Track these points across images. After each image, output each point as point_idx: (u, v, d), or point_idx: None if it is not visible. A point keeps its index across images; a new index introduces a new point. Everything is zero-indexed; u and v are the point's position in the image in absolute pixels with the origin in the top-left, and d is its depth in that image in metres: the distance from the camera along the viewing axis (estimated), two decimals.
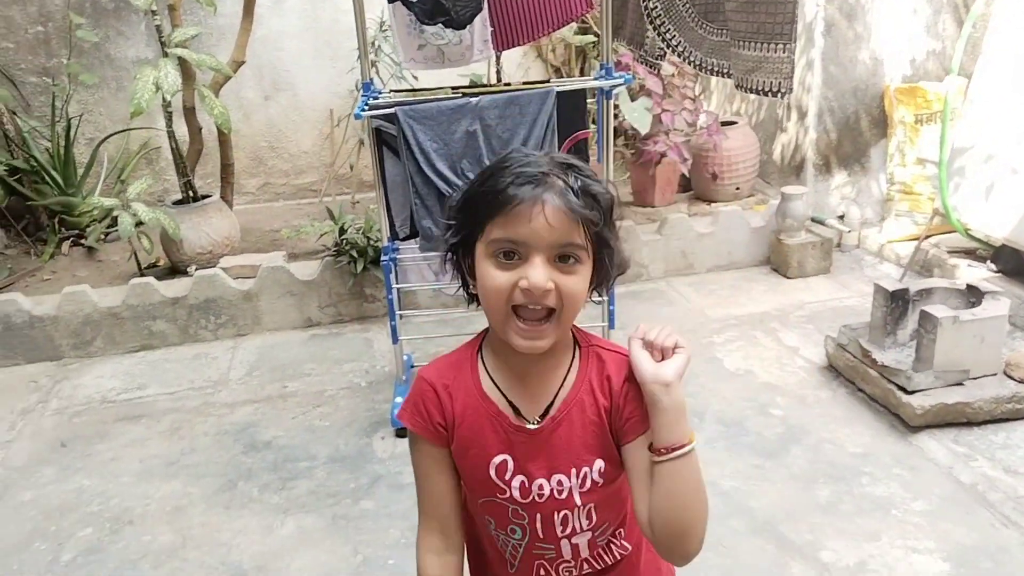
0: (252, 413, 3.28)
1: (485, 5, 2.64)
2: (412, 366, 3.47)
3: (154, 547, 2.54)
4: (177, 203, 4.28)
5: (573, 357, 1.16)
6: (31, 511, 2.75)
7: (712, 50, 2.87)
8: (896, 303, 3.05)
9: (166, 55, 3.82)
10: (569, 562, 1.18)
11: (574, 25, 4.30)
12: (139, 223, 3.84)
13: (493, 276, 1.05)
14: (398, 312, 3.09)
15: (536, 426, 1.12)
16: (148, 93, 3.55)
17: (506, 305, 1.05)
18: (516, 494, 1.13)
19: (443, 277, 3.17)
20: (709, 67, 2.89)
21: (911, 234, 4.11)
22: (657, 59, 3.32)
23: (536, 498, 1.13)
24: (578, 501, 1.13)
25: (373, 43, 4.48)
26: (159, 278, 3.99)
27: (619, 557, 1.22)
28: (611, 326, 3.13)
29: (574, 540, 1.17)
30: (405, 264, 3.15)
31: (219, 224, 4.20)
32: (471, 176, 2.58)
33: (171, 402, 3.41)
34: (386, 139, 2.64)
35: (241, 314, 3.94)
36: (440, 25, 2.58)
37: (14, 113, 4.70)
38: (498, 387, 1.15)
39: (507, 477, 1.13)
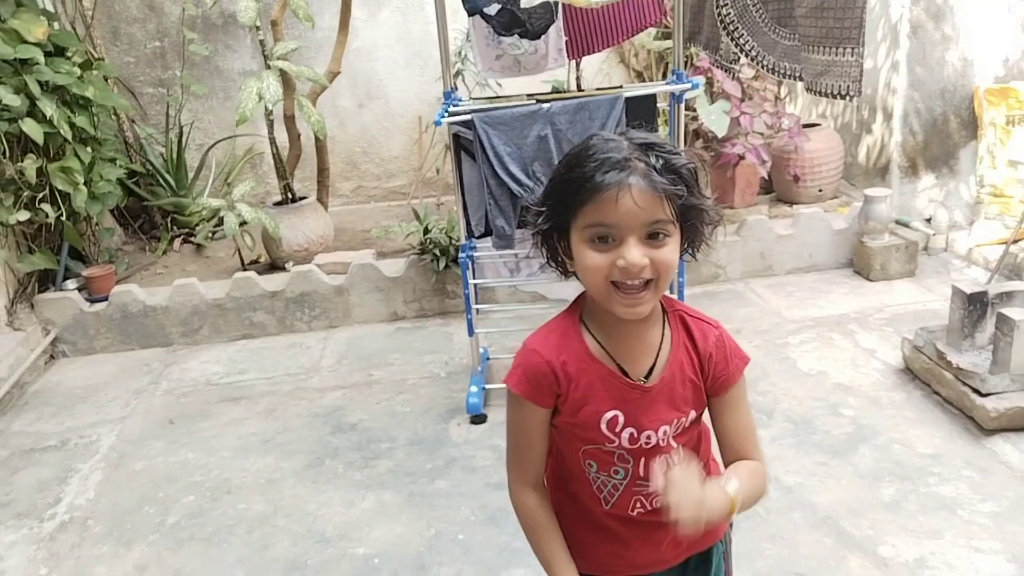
0: (340, 398, 3.52)
1: (560, 16, 2.77)
2: (488, 358, 3.63)
3: (248, 514, 2.78)
4: (277, 204, 4.59)
5: (664, 322, 1.27)
6: (142, 479, 3.05)
7: (784, 54, 2.92)
8: (974, 306, 3.01)
9: (268, 67, 4.13)
10: (660, 494, 1.23)
11: (653, 31, 4.38)
12: (243, 222, 4.16)
13: (592, 258, 1.14)
14: (474, 306, 3.26)
15: (649, 384, 1.24)
16: (252, 103, 3.85)
17: (606, 282, 1.15)
18: (625, 443, 1.25)
19: (518, 275, 3.34)
20: (781, 71, 2.94)
21: (1001, 238, 4.00)
22: (732, 63, 3.38)
23: (643, 445, 1.25)
24: (673, 444, 1.27)
25: (459, 52, 4.69)
26: (260, 273, 4.30)
27: None
28: None
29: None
30: (482, 261, 3.31)
31: (315, 224, 4.49)
32: (543, 179, 2.74)
33: (268, 386, 3.68)
34: (464, 144, 2.81)
35: (333, 307, 4.21)
36: (516, 36, 2.73)
37: (133, 121, 5.14)
38: (605, 350, 1.25)
39: (617, 430, 1.24)
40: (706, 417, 1.34)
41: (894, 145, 4.30)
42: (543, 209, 1.20)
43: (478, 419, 3.21)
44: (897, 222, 4.22)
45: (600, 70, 5.26)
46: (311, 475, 2.98)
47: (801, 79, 2.75)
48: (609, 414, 1.23)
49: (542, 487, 1.35)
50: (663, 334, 1.26)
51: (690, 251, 1.23)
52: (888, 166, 4.37)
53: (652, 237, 1.13)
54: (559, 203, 1.17)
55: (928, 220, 4.36)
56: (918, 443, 2.82)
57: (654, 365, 1.25)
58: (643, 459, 1.25)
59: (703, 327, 1.28)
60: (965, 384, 2.89)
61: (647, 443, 1.25)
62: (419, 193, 5.44)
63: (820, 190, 4.53)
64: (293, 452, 3.13)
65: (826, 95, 2.57)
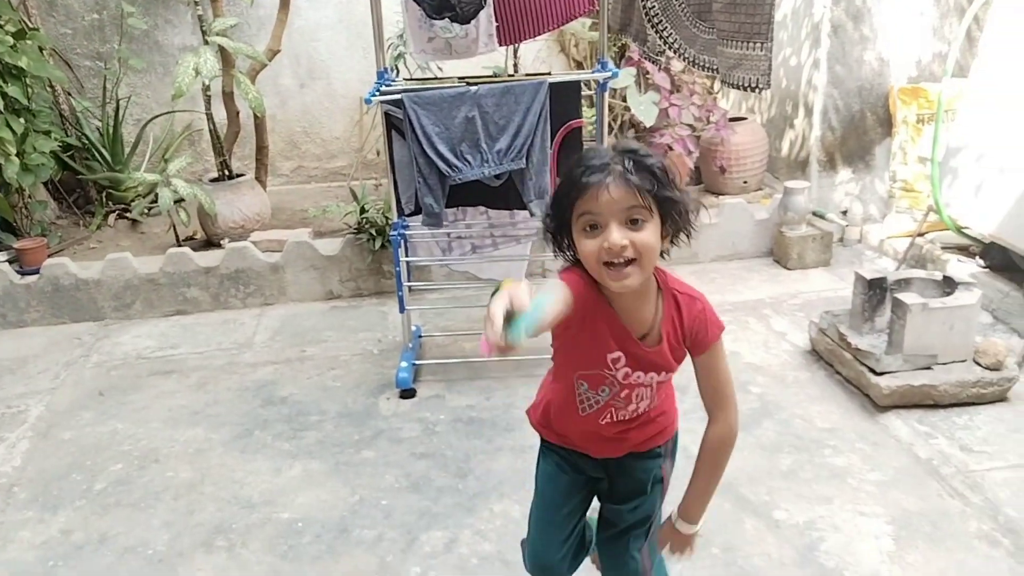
0: (272, 373, 3.58)
1: (489, 3, 2.87)
2: (420, 336, 3.73)
3: (175, 482, 2.84)
4: (213, 181, 4.61)
5: (659, 296, 1.56)
6: (70, 448, 3.07)
7: (704, 47, 3.07)
8: (874, 291, 3.22)
9: (207, 43, 4.14)
10: (627, 412, 1.64)
11: (588, 21, 4.51)
12: (179, 199, 4.17)
13: (585, 244, 1.43)
14: (406, 284, 3.35)
15: (651, 348, 1.55)
16: (188, 77, 3.87)
17: (598, 263, 1.42)
18: (619, 377, 1.58)
19: (450, 254, 3.50)
20: (700, 63, 3.09)
21: (909, 231, 4.24)
22: (658, 55, 3.53)
23: (632, 381, 1.58)
24: (653, 385, 1.61)
25: (401, 35, 4.75)
26: (195, 249, 4.31)
27: (650, 408, 1.67)
28: None
29: (639, 403, 1.64)
30: (415, 240, 3.40)
31: (251, 201, 4.52)
32: (470, 159, 2.86)
33: (200, 360, 3.72)
34: (395, 123, 2.90)
35: (268, 285, 4.25)
36: (447, 19, 2.83)
37: (69, 94, 5.08)
38: (613, 308, 1.54)
39: (618, 367, 1.56)
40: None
41: (814, 140, 4.52)
42: (551, 213, 1.51)
43: (407, 393, 3.30)
44: (814, 214, 4.43)
45: (538, 57, 5.37)
46: (239, 445, 3.04)
47: (717, 71, 2.90)
48: (615, 353, 1.54)
49: None
50: (657, 307, 1.55)
51: (675, 237, 1.49)
52: (808, 160, 4.58)
53: (632, 223, 1.40)
54: (561, 205, 1.47)
55: (844, 212, 4.59)
56: (817, 418, 3.02)
57: (649, 332, 1.55)
58: (626, 388, 1.59)
59: (689, 301, 1.57)
60: (863, 364, 3.09)
61: (635, 381, 1.58)
62: (359, 174, 5.49)
63: (745, 182, 4.73)
64: (222, 424, 3.19)
65: (738, 87, 2.72)
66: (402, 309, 3.40)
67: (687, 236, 1.50)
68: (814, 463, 2.76)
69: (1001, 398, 3.02)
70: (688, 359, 1.63)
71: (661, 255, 1.48)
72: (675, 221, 1.45)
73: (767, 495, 2.61)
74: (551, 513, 1.81)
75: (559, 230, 1.51)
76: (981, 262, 3.80)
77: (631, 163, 1.40)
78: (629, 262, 1.40)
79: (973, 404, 3.00)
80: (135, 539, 2.56)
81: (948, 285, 3.19)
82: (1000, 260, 3.70)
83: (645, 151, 1.44)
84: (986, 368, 3.02)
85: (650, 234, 1.40)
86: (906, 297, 3.01)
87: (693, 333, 1.56)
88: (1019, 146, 3.47)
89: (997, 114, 3.64)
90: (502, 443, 2.96)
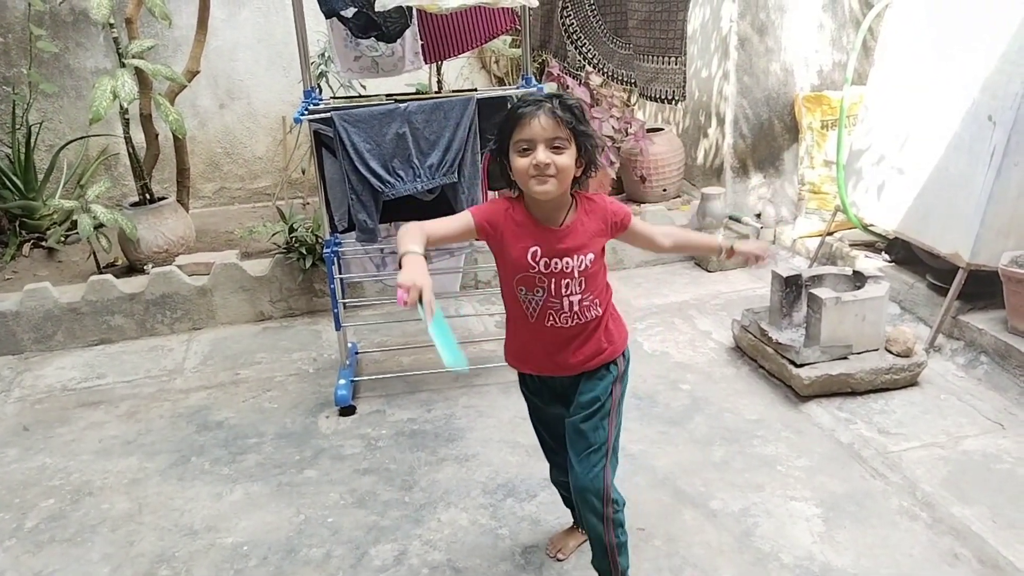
0: (205, 398, 3.52)
1: (414, 22, 2.93)
2: (356, 352, 3.74)
3: (112, 513, 2.77)
4: (134, 205, 4.50)
5: (571, 206, 1.94)
6: None
7: (621, 62, 3.20)
8: (791, 288, 3.39)
9: (123, 65, 4.06)
10: (566, 312, 1.96)
11: (508, 39, 4.61)
12: (99, 225, 4.06)
13: (518, 161, 1.83)
14: (341, 301, 3.36)
15: (561, 233, 1.91)
16: (106, 101, 3.79)
17: (527, 176, 1.82)
18: (541, 268, 1.91)
19: (384, 269, 3.57)
20: (619, 77, 3.22)
21: (819, 230, 4.48)
22: (578, 70, 3.65)
23: (553, 270, 1.92)
24: (576, 274, 1.93)
25: (323, 54, 4.76)
26: (117, 276, 4.20)
27: (592, 317, 2.00)
28: None
29: (571, 298, 1.95)
30: (348, 257, 3.41)
31: (174, 225, 4.44)
32: (402, 174, 2.91)
33: (128, 389, 3.63)
34: (325, 141, 2.92)
35: (196, 309, 4.18)
36: (373, 39, 2.87)
37: None
38: (532, 215, 1.93)
39: (537, 258, 1.91)
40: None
41: (727, 148, 4.72)
42: (495, 138, 1.90)
43: (347, 411, 3.31)
44: (730, 218, 4.63)
45: (461, 75, 5.46)
46: (176, 472, 2.99)
47: (635, 85, 3.03)
48: (532, 248, 1.90)
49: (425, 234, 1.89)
50: (569, 212, 1.94)
51: (587, 169, 1.90)
52: (722, 167, 4.79)
53: (554, 149, 1.81)
54: (503, 132, 1.86)
55: (758, 216, 4.81)
56: (745, 410, 3.16)
57: (563, 221, 1.92)
58: (552, 281, 1.93)
59: (588, 200, 1.98)
60: (784, 357, 3.26)
61: (555, 269, 1.91)
62: (285, 194, 5.45)
63: (664, 190, 4.91)
64: (157, 452, 3.13)
65: (656, 99, 2.85)
66: (338, 327, 3.40)
67: (594, 168, 1.92)
68: (744, 453, 2.89)
69: (912, 382, 3.23)
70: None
71: (576, 182, 1.90)
72: (587, 151, 1.86)
73: (703, 486, 2.72)
74: (545, 438, 2.29)
75: (500, 154, 1.90)
76: (887, 257, 4.05)
77: (557, 102, 1.82)
78: (550, 176, 1.81)
79: (887, 389, 3.20)
80: (73, 575, 2.49)
81: (858, 279, 3.40)
82: (904, 254, 3.95)
83: (568, 96, 1.88)
84: (897, 355, 3.22)
85: (567, 158, 1.82)
86: (820, 292, 3.20)
87: (608, 218, 1.97)
88: (915, 147, 3.72)
89: (894, 118, 3.89)
90: (445, 453, 3.00)
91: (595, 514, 2.06)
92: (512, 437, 3.06)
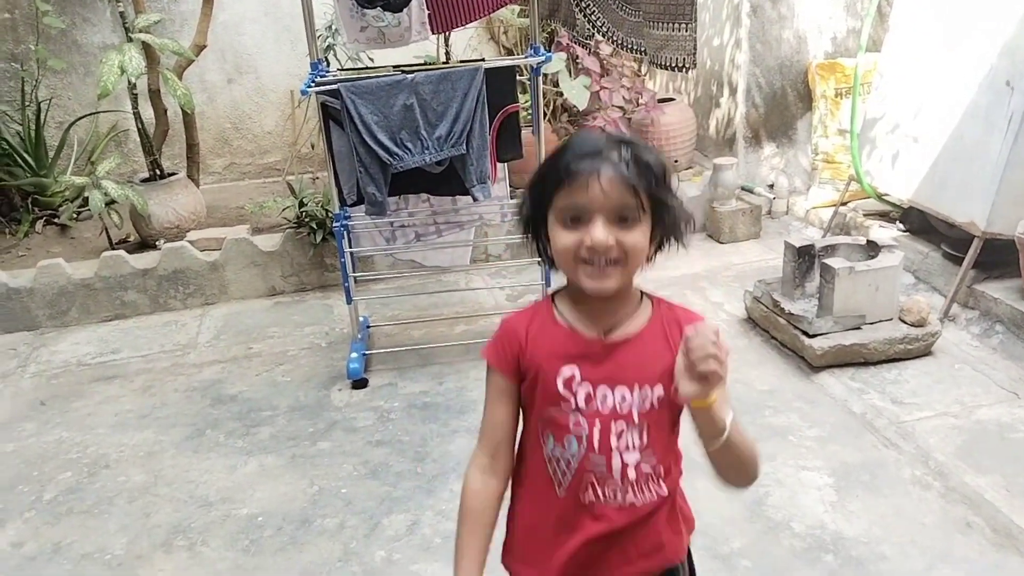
0: (219, 372, 3.55)
1: None
2: (368, 326, 3.75)
3: (128, 486, 2.81)
4: (145, 181, 4.50)
5: (640, 303, 1.30)
6: (14, 460, 3.00)
7: (631, 30, 3.15)
8: (803, 258, 3.37)
9: (130, 40, 4.05)
10: (616, 482, 1.25)
11: (516, 8, 4.56)
12: (110, 201, 4.07)
13: (563, 237, 1.20)
14: (351, 275, 3.36)
15: (609, 339, 1.25)
16: (114, 76, 3.78)
17: (574, 260, 1.20)
18: (580, 402, 1.24)
19: (394, 243, 3.49)
20: (628, 45, 3.18)
21: (833, 200, 4.43)
22: (587, 39, 3.60)
23: (599, 406, 1.24)
24: (635, 417, 1.24)
25: (330, 27, 4.72)
26: (130, 252, 4.22)
27: (656, 497, 1.29)
28: (547, 284, 3.44)
29: (625, 457, 1.25)
30: (358, 231, 3.41)
31: (185, 200, 4.44)
32: (410, 146, 2.89)
33: (143, 364, 3.66)
34: (332, 114, 2.90)
35: (208, 284, 4.19)
36: (379, 8, 2.84)
37: None
38: (569, 316, 1.29)
39: (574, 387, 1.24)
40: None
41: (739, 117, 4.67)
42: (527, 201, 1.28)
43: (359, 383, 3.32)
44: (743, 188, 4.59)
45: (469, 45, 5.39)
46: (191, 445, 3.02)
47: (645, 53, 2.99)
48: (567, 371, 1.24)
49: (500, 472, 1.33)
50: (638, 312, 1.29)
51: (663, 245, 1.27)
52: (735, 137, 4.74)
53: (621, 220, 1.18)
54: (540, 190, 1.24)
55: (771, 186, 4.76)
56: (757, 381, 3.16)
57: (615, 327, 1.26)
58: (598, 423, 1.24)
59: (690, 316, 1.31)
60: (796, 328, 3.24)
61: (603, 404, 1.23)
62: (294, 169, 5.43)
63: (676, 160, 4.86)
64: (172, 425, 3.16)
65: (666, 67, 2.82)
66: (349, 300, 3.40)
67: (679, 244, 1.29)
68: (756, 424, 2.89)
69: (926, 352, 3.21)
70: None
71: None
72: (665, 227, 1.24)
73: None
74: None
75: (535, 222, 1.28)
76: (901, 226, 4.00)
77: (629, 154, 1.19)
78: (611, 262, 1.19)
79: (901, 359, 3.18)
80: (91, 545, 2.52)
81: (872, 249, 3.36)
82: (918, 223, 3.91)
83: (644, 143, 1.24)
84: (911, 325, 3.20)
85: (639, 236, 1.19)
86: (833, 262, 3.17)
87: None
88: (930, 115, 3.67)
89: (909, 85, 3.83)
90: (457, 425, 3.01)
91: None
92: None
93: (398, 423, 3.05)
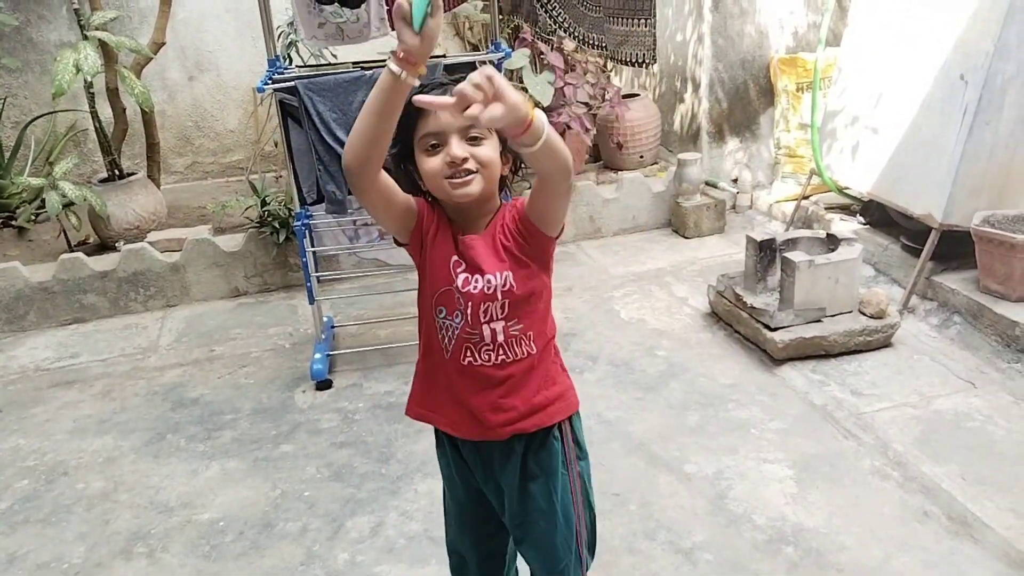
0: (180, 375, 3.50)
1: None
2: (333, 326, 3.72)
3: (87, 493, 2.76)
4: (103, 181, 4.43)
5: (496, 212, 1.55)
6: None
7: (592, 26, 3.15)
8: (764, 252, 3.39)
9: (86, 38, 3.97)
10: (488, 344, 1.53)
11: (480, 3, 4.54)
12: (68, 203, 4.00)
13: (428, 162, 1.44)
14: (313, 274, 3.33)
15: (462, 238, 1.52)
16: (68, 75, 3.70)
17: (442, 179, 1.43)
18: (459, 283, 1.52)
19: (357, 241, 3.47)
20: (590, 41, 3.18)
21: (796, 194, 4.47)
22: (549, 35, 3.60)
23: (471, 289, 1.51)
24: (498, 296, 1.51)
25: (292, 23, 4.66)
26: (88, 254, 4.15)
27: (525, 354, 1.56)
28: None
29: (493, 325, 1.53)
30: (320, 230, 3.38)
31: (145, 201, 4.37)
32: None
33: (103, 368, 3.60)
34: (290, 111, 2.87)
35: (169, 286, 4.13)
36: (336, 4, 2.81)
37: None
38: (451, 219, 1.55)
39: (458, 271, 1.52)
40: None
41: (702, 112, 4.69)
42: (394, 141, 1.43)
43: (323, 385, 3.29)
44: (707, 183, 4.62)
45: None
46: (152, 450, 2.97)
47: (605, 48, 2.99)
48: (454, 257, 1.53)
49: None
50: (495, 216, 1.55)
51: (516, 164, 1.53)
52: (699, 132, 4.76)
53: (471, 140, 1.42)
54: (402, 130, 1.43)
55: (735, 181, 4.80)
56: (720, 375, 3.18)
57: (476, 229, 1.54)
58: (470, 304, 1.52)
59: (511, 206, 1.56)
60: (758, 321, 3.27)
61: (474, 288, 1.51)
62: (258, 167, 5.37)
63: (641, 156, 4.88)
64: (132, 430, 3.11)
65: (626, 63, 2.82)
66: (311, 300, 3.37)
67: (523, 165, 1.52)
68: (719, 417, 2.91)
69: (886, 344, 3.25)
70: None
71: (503, 181, 1.54)
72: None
73: (677, 451, 2.74)
74: (459, 515, 1.77)
75: (403, 158, 1.50)
76: (862, 219, 4.05)
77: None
78: (470, 172, 1.43)
79: (861, 351, 3.22)
80: (48, 555, 2.48)
81: (832, 242, 3.40)
82: (879, 216, 3.96)
83: (481, 70, 1.33)
84: (871, 317, 3.24)
85: (489, 149, 1.45)
86: (793, 256, 3.20)
87: (516, 217, 1.53)
88: (888, 108, 3.71)
89: (868, 79, 3.87)
90: (422, 425, 2.97)
91: None
92: None
93: (362, 424, 3.03)
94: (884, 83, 3.76)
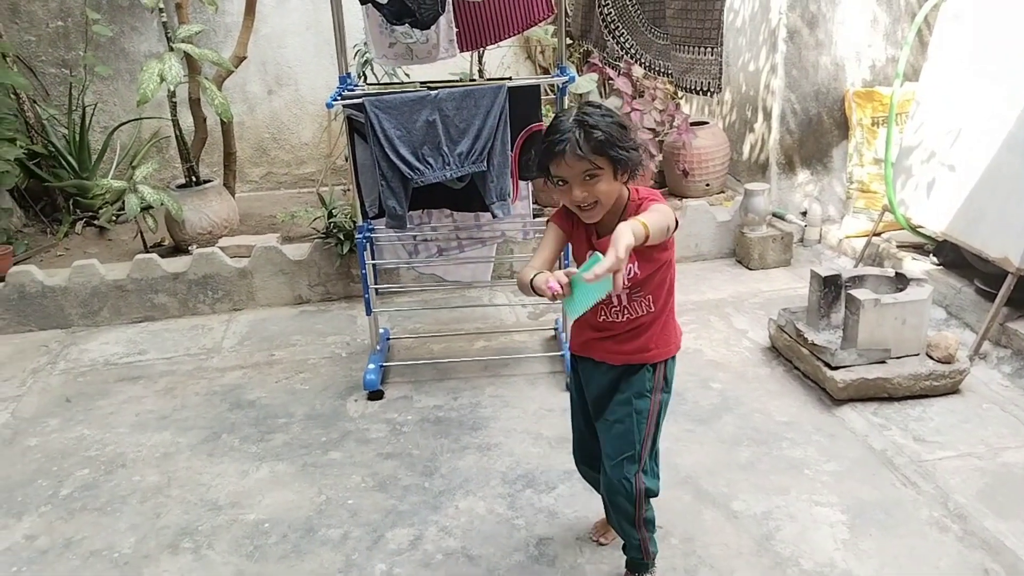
0: (240, 377, 3.59)
1: (449, 8, 2.93)
2: (388, 338, 3.77)
3: (142, 485, 2.85)
4: (181, 187, 4.61)
5: (626, 208, 1.94)
6: (36, 454, 3.07)
7: (659, 53, 3.14)
8: (829, 288, 3.30)
9: (171, 49, 4.15)
10: (615, 307, 2.01)
11: (552, 28, 4.57)
12: (147, 206, 4.17)
13: (560, 194, 1.89)
14: (372, 286, 3.39)
15: (596, 241, 1.97)
16: (153, 84, 3.88)
17: (572, 205, 1.90)
18: None
19: (416, 256, 3.65)
20: (656, 68, 3.17)
21: (867, 230, 4.34)
22: (617, 60, 3.60)
23: None
24: (626, 281, 1.81)
25: (366, 42, 4.78)
26: (163, 256, 4.31)
27: (645, 312, 2.01)
28: None
29: (620, 296, 1.97)
30: (381, 243, 3.44)
31: (219, 207, 4.53)
32: (431, 161, 2.91)
33: (167, 366, 3.73)
34: (357, 127, 2.94)
35: (237, 290, 4.26)
36: (408, 25, 2.87)
37: (34, 101, 5.06)
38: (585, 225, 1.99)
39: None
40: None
41: (773, 143, 4.61)
42: (537, 168, 1.92)
43: (375, 395, 3.34)
44: (774, 215, 4.53)
45: (502, 63, 5.43)
46: (207, 448, 3.06)
47: (671, 75, 2.98)
48: (590, 251, 1.90)
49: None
50: (623, 211, 1.93)
51: (632, 175, 1.88)
52: (768, 162, 4.68)
53: (589, 178, 1.82)
54: (541, 165, 1.89)
55: (804, 213, 4.69)
56: (776, 412, 3.09)
57: (607, 231, 1.84)
58: None
59: (643, 194, 1.95)
60: (819, 359, 3.17)
61: None
62: (328, 180, 5.51)
63: (707, 184, 4.82)
64: (190, 428, 3.20)
65: (691, 91, 2.80)
66: (368, 311, 3.43)
67: (642, 170, 1.92)
68: (772, 455, 2.83)
69: (953, 390, 3.11)
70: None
71: (626, 184, 1.91)
72: (626, 166, 1.84)
73: (726, 487, 2.67)
74: (576, 423, 2.30)
75: (544, 177, 1.91)
76: (935, 259, 3.91)
77: (581, 134, 1.78)
78: (591, 205, 1.86)
79: (926, 396, 3.09)
80: (101, 543, 2.56)
81: (900, 282, 3.29)
82: (953, 257, 3.81)
83: (595, 118, 1.81)
84: (938, 361, 3.11)
85: (604, 184, 1.83)
86: (859, 293, 3.10)
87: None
88: (967, 146, 3.58)
89: (946, 115, 3.75)
90: (468, 442, 3.00)
91: (627, 518, 2.12)
92: (536, 428, 3.05)
93: (410, 436, 3.06)
94: (963, 119, 3.63)
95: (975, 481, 2.62)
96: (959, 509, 2.50)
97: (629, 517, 2.11)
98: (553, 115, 1.98)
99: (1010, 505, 2.50)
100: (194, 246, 4.44)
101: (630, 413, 2.06)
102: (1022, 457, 2.73)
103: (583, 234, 2.02)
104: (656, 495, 2.15)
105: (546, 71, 5.53)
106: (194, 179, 4.63)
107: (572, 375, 2.26)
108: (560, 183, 1.85)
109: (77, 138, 5.02)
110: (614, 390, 2.10)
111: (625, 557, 2.27)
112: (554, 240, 2.02)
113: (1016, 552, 2.30)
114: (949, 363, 3.10)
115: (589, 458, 2.28)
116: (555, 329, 3.75)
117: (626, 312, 2.01)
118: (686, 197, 4.85)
